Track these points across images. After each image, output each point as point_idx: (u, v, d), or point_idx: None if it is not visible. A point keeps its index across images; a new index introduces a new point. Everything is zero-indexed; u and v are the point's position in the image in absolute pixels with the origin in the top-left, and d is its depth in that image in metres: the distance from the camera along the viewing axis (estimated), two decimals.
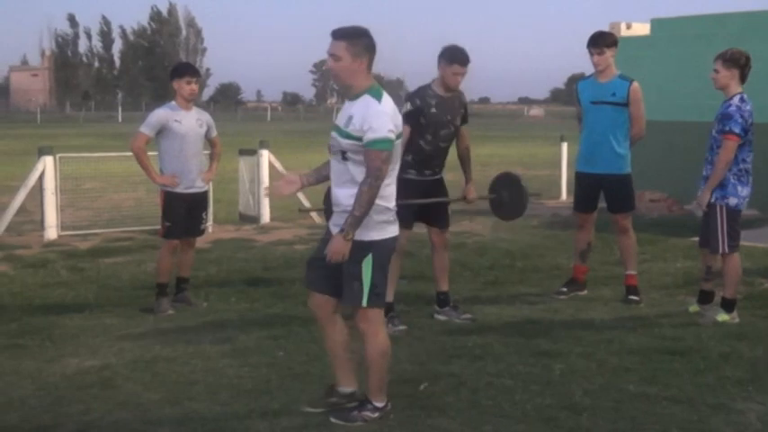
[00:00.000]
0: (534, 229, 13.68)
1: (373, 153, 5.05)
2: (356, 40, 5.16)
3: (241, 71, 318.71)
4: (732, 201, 7.68)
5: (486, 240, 12.56)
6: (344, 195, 5.18)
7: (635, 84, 8.64)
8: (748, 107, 7.64)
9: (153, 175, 8.52)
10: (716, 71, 7.72)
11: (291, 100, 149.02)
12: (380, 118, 5.09)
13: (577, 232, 9.16)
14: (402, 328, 7.55)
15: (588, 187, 8.86)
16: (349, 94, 5.27)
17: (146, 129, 8.42)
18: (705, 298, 8.10)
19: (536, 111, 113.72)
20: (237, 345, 7.07)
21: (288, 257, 11.22)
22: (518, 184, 8.30)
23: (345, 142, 5.15)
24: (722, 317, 7.70)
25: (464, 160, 8.18)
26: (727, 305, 7.77)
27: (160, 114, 8.48)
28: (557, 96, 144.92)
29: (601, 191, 8.85)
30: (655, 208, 14.89)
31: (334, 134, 5.24)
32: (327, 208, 7.62)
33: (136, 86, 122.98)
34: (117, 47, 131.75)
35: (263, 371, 6.36)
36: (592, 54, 8.63)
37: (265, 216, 14.58)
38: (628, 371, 6.28)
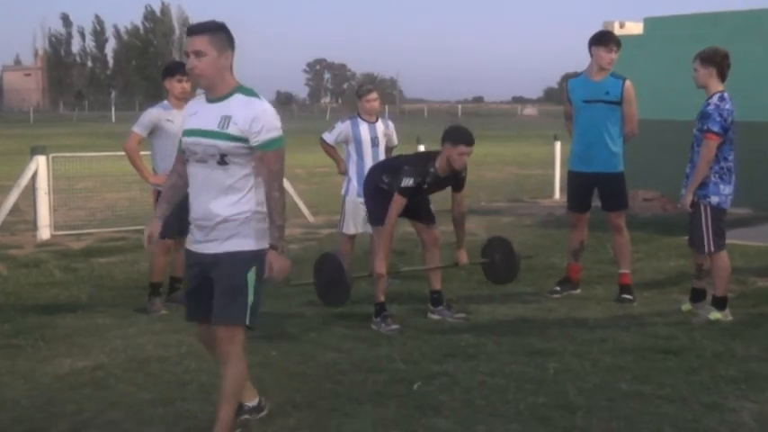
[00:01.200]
0: (528, 229, 13.69)
1: (273, 154, 4.74)
2: (218, 32, 4.75)
3: (234, 70, 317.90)
4: (714, 199, 7.67)
5: (480, 240, 12.52)
6: (223, 206, 4.76)
7: (628, 82, 8.65)
8: (727, 105, 7.63)
9: (146, 174, 8.51)
10: (695, 70, 7.77)
11: (285, 99, 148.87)
12: (272, 116, 4.77)
13: (571, 231, 9.17)
14: (395, 327, 7.54)
15: (582, 186, 8.87)
16: (213, 93, 4.82)
17: (138, 128, 8.42)
18: (697, 296, 8.11)
19: (530, 110, 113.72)
20: None
21: None
22: (509, 247, 8.50)
23: (226, 145, 4.70)
24: (714, 315, 7.69)
25: (457, 225, 8.19)
26: (719, 303, 7.76)
27: (152, 114, 8.47)
28: (550, 95, 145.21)
29: (594, 190, 8.86)
30: (648, 207, 14.92)
31: (202, 139, 4.76)
32: (319, 281, 7.72)
33: (129, 86, 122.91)
34: (110, 46, 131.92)
35: (257, 371, 6.34)
36: (609, 51, 8.58)
37: None
38: (621, 370, 6.28)
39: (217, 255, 4.80)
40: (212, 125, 4.75)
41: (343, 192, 9.67)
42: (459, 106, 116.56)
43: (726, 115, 7.60)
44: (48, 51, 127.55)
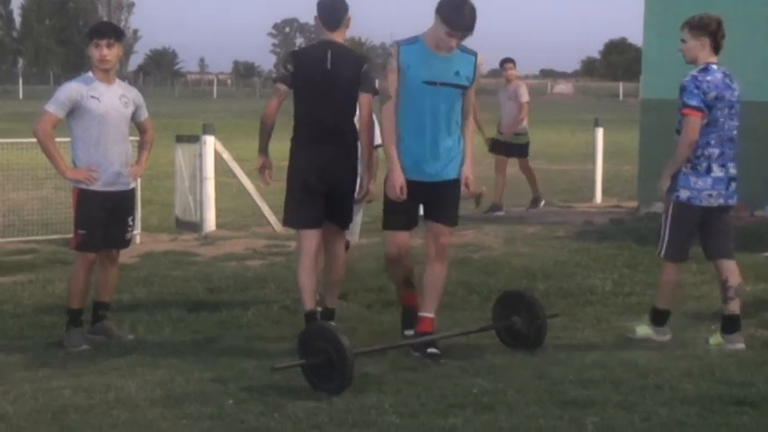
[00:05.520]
0: (560, 241, 13.69)
1: None
2: None
3: (179, 33, 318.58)
4: (684, 194, 8.15)
5: (497, 255, 12.56)
6: None
7: (480, 57, 8.40)
8: (709, 77, 8.11)
9: (63, 167, 8.49)
10: (683, 41, 8.26)
11: (245, 71, 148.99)
12: None
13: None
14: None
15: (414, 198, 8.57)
16: None
17: (53, 107, 8.40)
18: (730, 325, 8.25)
19: (563, 86, 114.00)
20: (173, 390, 7.05)
21: (239, 276, 11.20)
22: (531, 303, 8.34)
23: None
24: (643, 329, 8.42)
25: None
26: (657, 317, 8.41)
27: (72, 89, 8.46)
28: (590, 69, 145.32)
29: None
30: None
31: None
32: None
33: (41, 53, 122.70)
34: (17, 1, 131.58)
35: (207, 424, 6.34)
36: (452, 36, 7.88)
37: (210, 222, 14.54)
38: (682, 426, 6.29)
39: None
40: None
41: None
42: None
43: (707, 89, 8.05)
44: None
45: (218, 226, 14.63)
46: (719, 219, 8.33)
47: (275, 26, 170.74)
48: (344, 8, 8.52)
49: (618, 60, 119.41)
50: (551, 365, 7.67)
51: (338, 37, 8.48)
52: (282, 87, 8.32)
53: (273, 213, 14.78)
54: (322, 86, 8.29)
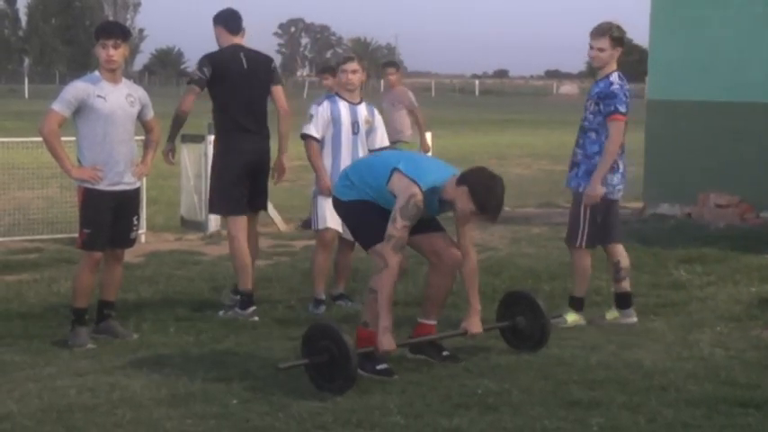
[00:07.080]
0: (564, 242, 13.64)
1: None
2: None
3: (184, 33, 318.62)
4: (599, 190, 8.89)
5: (502, 256, 12.55)
6: None
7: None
8: (627, 85, 9.05)
9: (68, 166, 8.50)
10: (600, 50, 9.07)
11: None
12: None
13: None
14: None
15: None
16: None
17: (59, 106, 8.41)
18: (623, 301, 9.22)
19: (568, 87, 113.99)
20: (178, 389, 7.05)
21: None
22: (534, 304, 8.28)
23: None
24: (571, 317, 9.08)
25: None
26: (576, 304, 9.14)
27: (78, 88, 8.47)
28: (595, 70, 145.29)
29: None
30: (722, 215, 14.87)
31: None
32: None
33: (47, 52, 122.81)
34: (23, 0, 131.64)
35: (212, 423, 6.34)
36: (475, 217, 7.74)
37: (215, 222, 14.52)
38: (687, 427, 6.28)
39: None
40: None
41: (314, 189, 9.69)
42: (477, 82, 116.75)
43: (627, 94, 9.02)
44: None
45: (223, 225, 14.60)
46: (614, 209, 9.26)
47: (281, 26, 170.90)
48: (240, 15, 9.78)
49: (623, 61, 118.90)
50: (556, 366, 7.67)
51: (240, 41, 9.69)
52: (197, 89, 9.59)
53: (278, 213, 14.79)
54: (241, 86, 9.46)
